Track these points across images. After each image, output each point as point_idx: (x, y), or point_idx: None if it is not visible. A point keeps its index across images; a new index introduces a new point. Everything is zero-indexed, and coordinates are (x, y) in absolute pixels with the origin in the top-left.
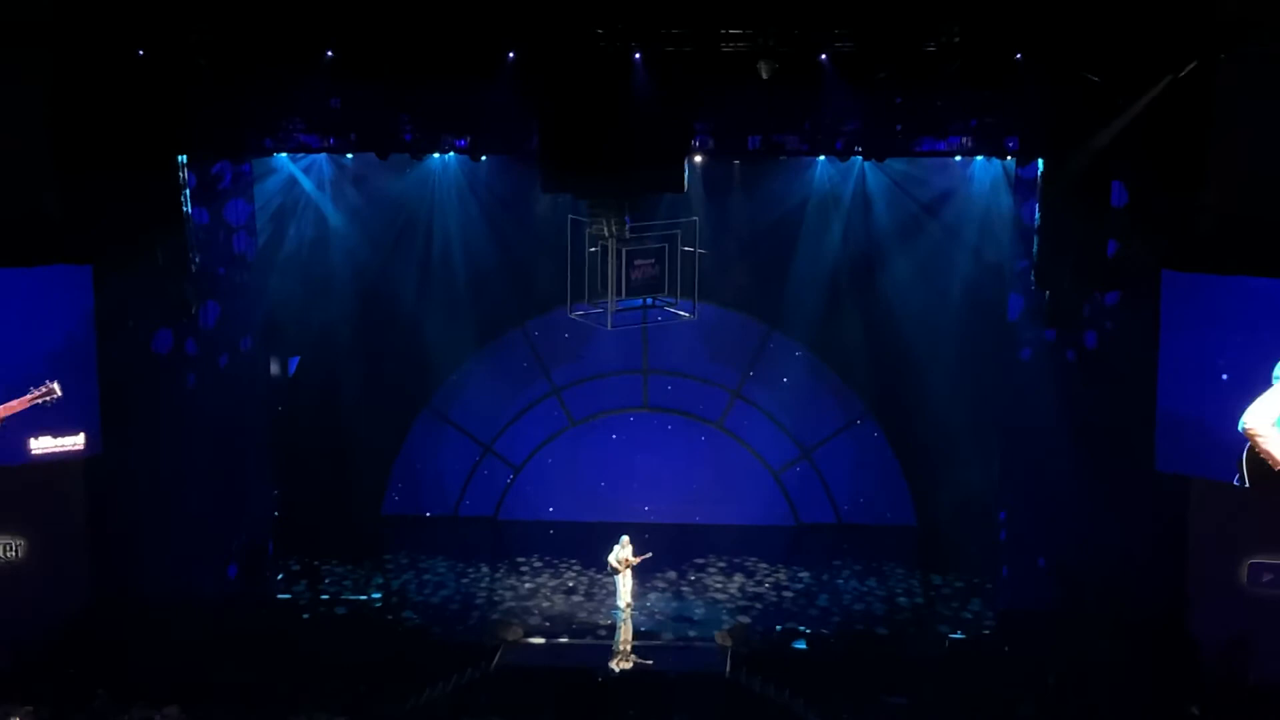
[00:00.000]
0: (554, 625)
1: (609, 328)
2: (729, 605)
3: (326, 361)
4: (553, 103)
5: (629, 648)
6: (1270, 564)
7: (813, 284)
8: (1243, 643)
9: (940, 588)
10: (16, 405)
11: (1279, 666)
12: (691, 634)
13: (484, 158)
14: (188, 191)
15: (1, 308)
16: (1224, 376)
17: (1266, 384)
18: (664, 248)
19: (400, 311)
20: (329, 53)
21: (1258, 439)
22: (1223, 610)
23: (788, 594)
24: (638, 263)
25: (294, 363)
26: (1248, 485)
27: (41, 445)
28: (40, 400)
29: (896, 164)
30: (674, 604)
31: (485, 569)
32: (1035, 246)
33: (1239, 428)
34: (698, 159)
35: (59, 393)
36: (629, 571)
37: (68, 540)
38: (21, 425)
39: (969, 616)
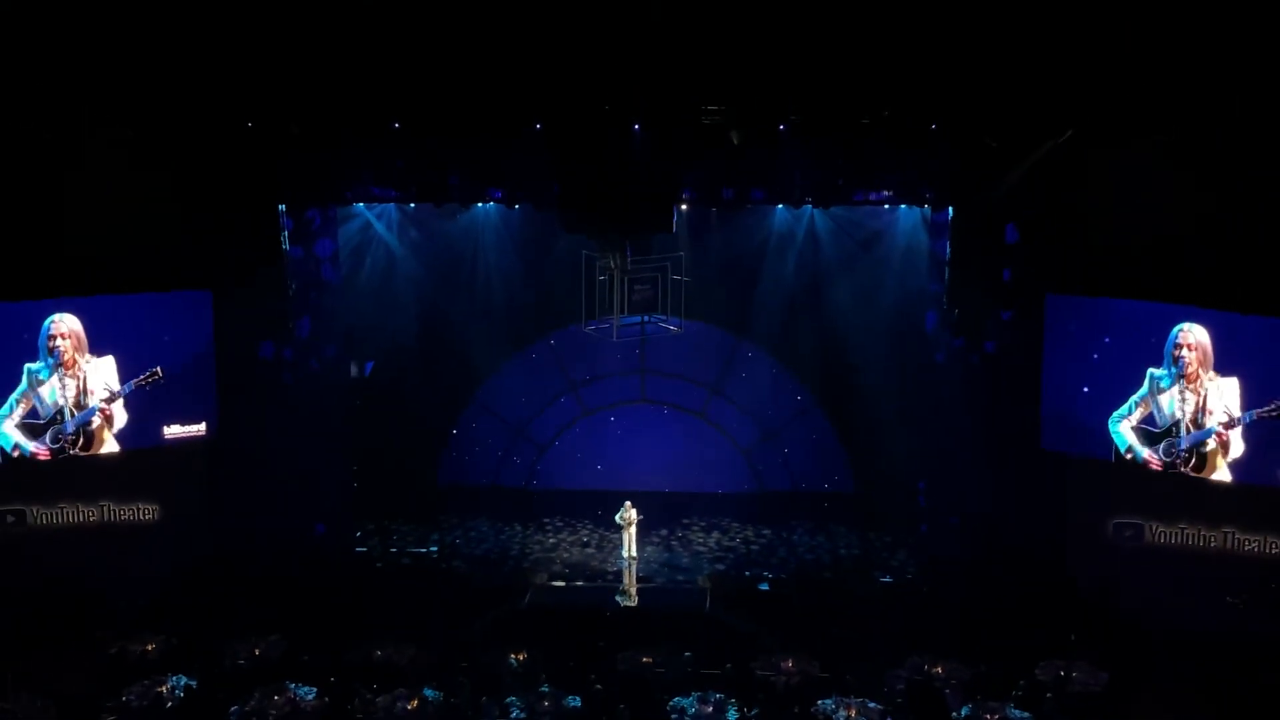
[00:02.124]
0: (572, 572)
1: (614, 338)
2: (708, 556)
3: (394, 365)
4: (570, 162)
5: (632, 589)
6: (1130, 522)
7: (773, 304)
8: (1109, 584)
9: (873, 542)
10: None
11: (1137, 601)
12: (679, 578)
13: (516, 206)
14: (286, 233)
15: (141, 324)
16: (1093, 376)
17: (1125, 383)
18: (657, 276)
19: (451, 325)
20: (395, 124)
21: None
22: (1093, 559)
23: (754, 547)
24: (637, 287)
25: (369, 366)
26: (1107, 462)
27: (173, 431)
28: (149, 381)
29: (838, 210)
30: (665, 555)
31: (518, 527)
32: (947, 274)
33: (1110, 424)
34: (683, 206)
35: (160, 374)
36: (631, 529)
37: (191, 505)
38: (158, 415)
39: (896, 564)
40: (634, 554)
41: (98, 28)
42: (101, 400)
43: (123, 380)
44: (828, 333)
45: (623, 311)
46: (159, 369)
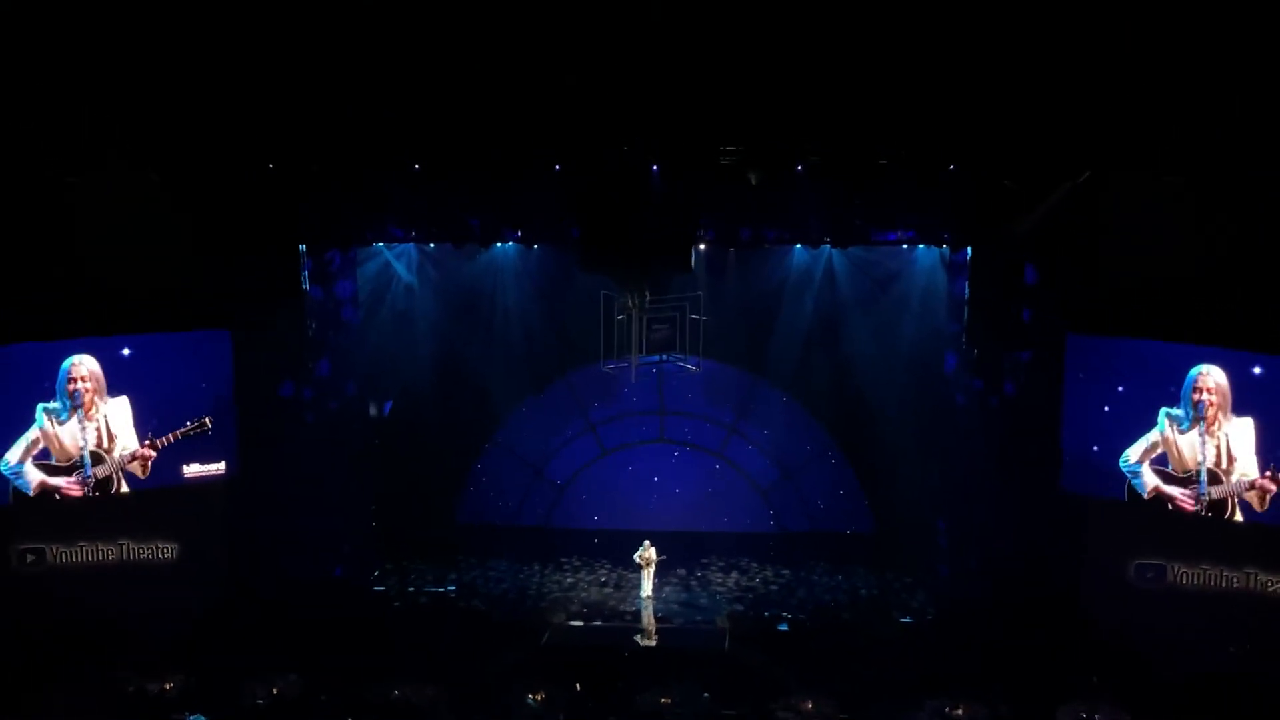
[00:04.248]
0: (590, 611)
1: (633, 378)
2: (727, 596)
3: (413, 404)
4: (589, 203)
5: (650, 629)
6: (1152, 564)
7: (791, 343)
8: (1131, 625)
9: (893, 583)
10: (173, 436)
11: (1159, 642)
12: (698, 618)
13: (535, 246)
14: (306, 273)
15: (162, 363)
16: (1114, 417)
17: (1146, 423)
18: (675, 315)
19: (470, 365)
20: (416, 165)
21: (1135, 474)
22: (1114, 600)
23: (773, 587)
24: (655, 327)
25: (388, 405)
26: (1127, 503)
27: (192, 470)
28: (195, 431)
29: (856, 250)
30: (684, 595)
31: (536, 567)
32: (965, 315)
33: (1120, 463)
34: (701, 246)
35: (209, 425)
36: (650, 569)
37: (211, 545)
38: (178, 455)
39: (916, 605)
40: (650, 593)
41: (122, 70)
42: (144, 448)
43: (137, 422)
44: (846, 373)
45: (641, 351)
46: (208, 419)
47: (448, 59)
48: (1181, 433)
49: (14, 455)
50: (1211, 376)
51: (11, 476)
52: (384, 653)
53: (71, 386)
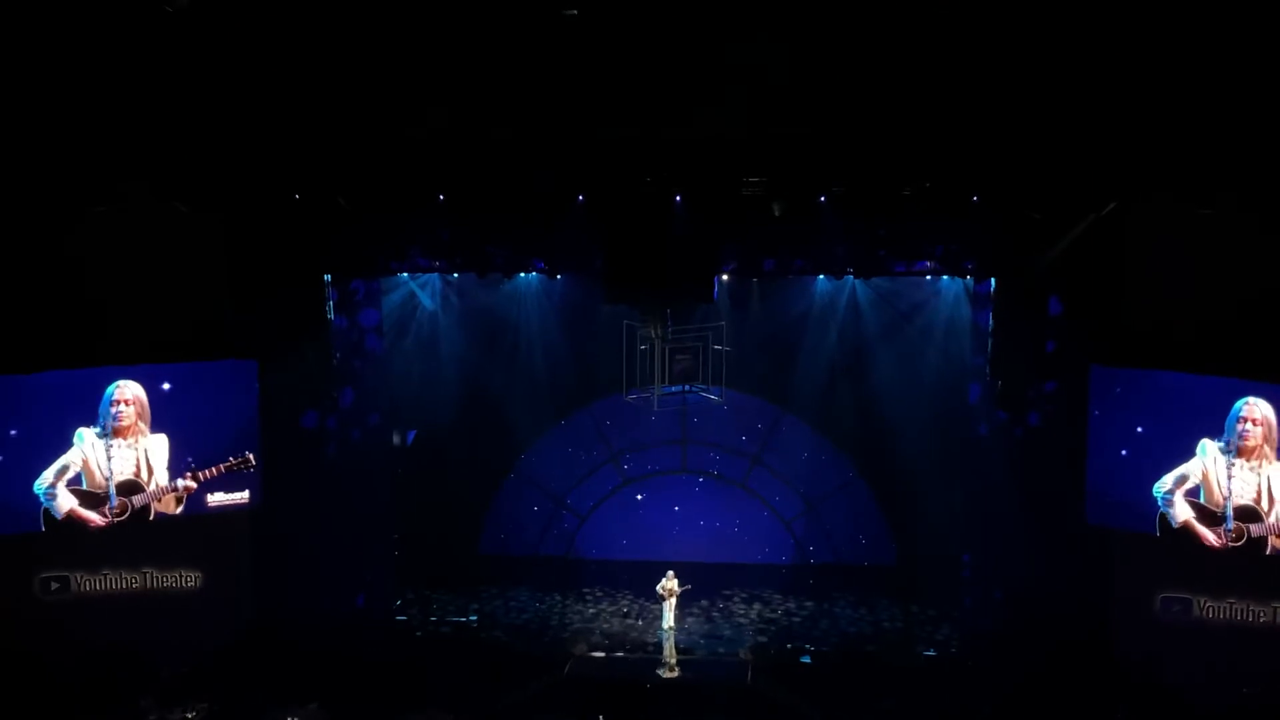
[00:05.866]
0: (612, 642)
1: (655, 408)
2: (750, 628)
3: (436, 434)
4: (612, 234)
5: (672, 661)
6: (1178, 598)
7: (815, 374)
8: (1156, 659)
9: (916, 615)
10: (216, 470)
11: (1185, 676)
12: (720, 650)
13: (559, 276)
14: (331, 303)
15: (188, 392)
16: (1138, 450)
17: (1171, 455)
18: (699, 346)
19: (493, 395)
20: (440, 196)
21: (1169, 502)
22: (1140, 633)
23: (796, 619)
24: (678, 357)
25: (411, 435)
26: (1153, 536)
27: (217, 499)
28: (239, 467)
29: (880, 281)
30: (706, 626)
31: (558, 597)
32: (990, 346)
33: (1154, 490)
34: (725, 277)
35: (254, 462)
36: (673, 599)
37: (234, 574)
38: (203, 484)
39: (940, 638)
40: (672, 625)
41: (150, 102)
42: (184, 482)
43: (172, 459)
44: (870, 404)
45: (664, 381)
46: (250, 455)
47: (472, 90)
48: (1222, 464)
49: (48, 477)
50: (1259, 408)
51: (45, 499)
52: (406, 682)
53: (114, 409)
